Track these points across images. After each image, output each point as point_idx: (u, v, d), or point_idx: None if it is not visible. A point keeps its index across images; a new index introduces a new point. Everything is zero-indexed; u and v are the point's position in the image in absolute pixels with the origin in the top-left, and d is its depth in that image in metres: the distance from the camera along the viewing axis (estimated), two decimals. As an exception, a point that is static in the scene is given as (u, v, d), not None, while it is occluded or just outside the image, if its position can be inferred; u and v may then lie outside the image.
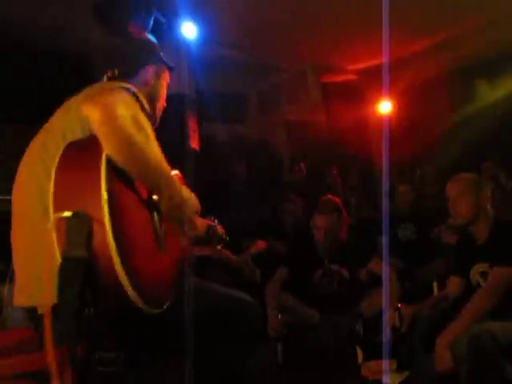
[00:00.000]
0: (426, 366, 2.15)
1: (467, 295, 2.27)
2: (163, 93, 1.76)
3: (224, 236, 1.95)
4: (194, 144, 4.44)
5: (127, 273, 1.14)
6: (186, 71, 4.05)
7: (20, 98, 3.67)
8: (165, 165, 1.40)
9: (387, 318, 2.52)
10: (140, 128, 1.32)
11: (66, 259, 1.14)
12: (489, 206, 2.37)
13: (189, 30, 4.07)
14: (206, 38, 4.24)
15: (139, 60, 1.68)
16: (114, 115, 1.24)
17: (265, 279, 3.34)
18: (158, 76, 1.71)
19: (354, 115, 6.00)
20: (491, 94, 5.63)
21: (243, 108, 6.16)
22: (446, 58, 5.41)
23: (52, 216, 1.16)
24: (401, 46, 5.02)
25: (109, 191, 1.17)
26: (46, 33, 3.87)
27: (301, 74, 5.94)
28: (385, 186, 3.79)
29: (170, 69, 1.79)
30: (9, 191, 1.43)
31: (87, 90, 1.49)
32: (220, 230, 1.94)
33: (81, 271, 1.12)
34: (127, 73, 1.64)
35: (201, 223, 1.87)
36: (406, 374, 2.36)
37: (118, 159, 1.24)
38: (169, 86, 1.79)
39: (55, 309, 1.21)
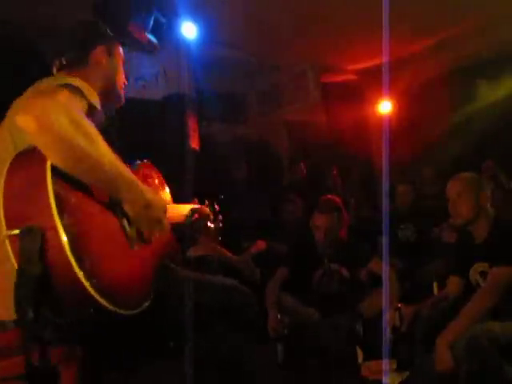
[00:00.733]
0: (426, 366, 2.15)
1: (467, 295, 2.27)
2: (120, 69, 1.69)
3: (211, 216, 1.89)
4: (194, 144, 4.45)
5: (89, 278, 1.11)
6: (185, 71, 4.06)
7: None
8: (121, 167, 1.29)
9: (387, 318, 2.52)
10: (83, 131, 1.20)
11: (19, 277, 1.11)
12: (489, 206, 2.37)
13: (189, 30, 4.07)
14: (206, 38, 4.24)
15: (85, 44, 1.61)
16: (49, 123, 1.14)
17: (265, 279, 3.33)
18: (110, 54, 1.65)
19: (353, 115, 6.00)
20: (491, 94, 5.63)
21: (243, 108, 6.16)
22: (446, 58, 5.42)
23: (4, 232, 1.12)
24: (401, 46, 5.03)
25: (58, 198, 1.12)
26: (46, 33, 3.86)
27: (301, 74, 5.94)
28: (385, 186, 3.79)
29: (122, 43, 1.74)
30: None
31: (26, 93, 1.44)
32: (205, 210, 1.87)
33: (33, 288, 1.09)
34: (76, 59, 1.58)
35: (182, 209, 1.83)
36: (406, 374, 2.36)
37: (64, 168, 1.17)
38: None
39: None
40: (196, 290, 1.52)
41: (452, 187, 2.44)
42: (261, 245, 3.80)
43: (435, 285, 2.92)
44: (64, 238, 1.09)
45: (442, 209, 2.69)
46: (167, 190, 1.76)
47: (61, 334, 1.21)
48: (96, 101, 1.43)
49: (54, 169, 1.16)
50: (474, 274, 2.34)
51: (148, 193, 1.37)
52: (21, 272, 1.11)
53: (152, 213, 1.37)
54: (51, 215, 1.10)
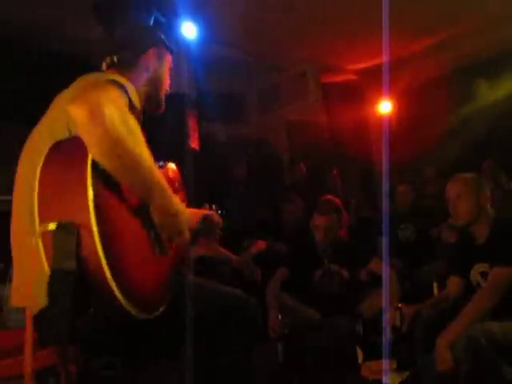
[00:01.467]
0: (426, 366, 2.15)
1: (467, 295, 2.27)
2: (166, 76, 1.71)
3: (221, 223, 1.90)
4: (194, 144, 4.45)
5: (117, 280, 1.11)
6: (185, 71, 4.05)
7: (19, 98, 3.68)
8: (157, 172, 1.30)
9: (387, 318, 2.52)
10: (129, 131, 1.22)
11: (54, 272, 1.10)
12: (489, 206, 2.37)
13: (189, 30, 4.08)
14: (206, 38, 4.24)
15: (140, 45, 1.63)
16: (102, 116, 1.15)
17: (265, 279, 3.33)
18: (159, 60, 1.66)
19: (353, 115, 6.00)
20: (491, 94, 5.63)
21: (243, 108, 6.16)
22: (446, 58, 5.42)
23: (37, 225, 1.12)
24: (401, 46, 5.03)
25: (96, 196, 1.12)
26: (45, 33, 3.87)
27: (301, 74, 5.94)
28: (385, 186, 3.79)
29: (172, 52, 1.74)
30: (9, 191, 1.43)
31: (76, 84, 1.45)
32: (217, 217, 1.88)
33: (70, 283, 1.09)
34: (127, 60, 1.59)
35: (194, 214, 1.83)
36: (406, 374, 2.36)
37: (106, 164, 1.17)
38: (168, 91, 1.76)
39: (44, 314, 1.18)
40: (199, 295, 1.52)
41: (452, 188, 2.43)
42: (261, 245, 3.80)
43: (435, 285, 2.91)
44: (98, 238, 1.09)
45: (442, 209, 2.69)
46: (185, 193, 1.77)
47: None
48: (136, 100, 1.46)
49: (93, 166, 1.15)
50: (474, 274, 2.34)
51: (177, 203, 1.38)
52: (55, 269, 1.10)
53: (176, 223, 1.38)
54: (88, 213, 1.10)
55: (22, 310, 1.37)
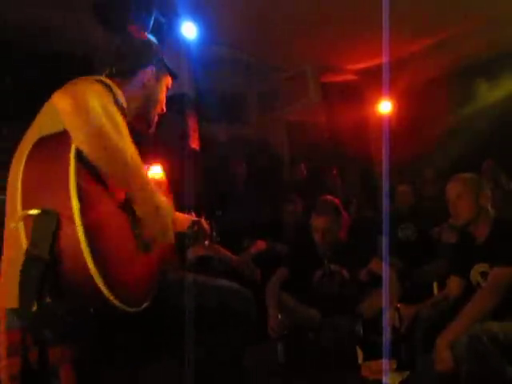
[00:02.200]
0: (426, 366, 2.15)
1: (467, 295, 2.27)
2: (162, 97, 1.70)
3: (209, 231, 1.89)
4: (194, 144, 4.45)
5: (99, 270, 1.11)
6: (186, 71, 4.05)
7: (18, 98, 3.68)
8: (139, 165, 1.30)
9: (387, 318, 2.52)
10: (112, 121, 1.24)
11: (27, 258, 1.10)
12: (489, 206, 2.37)
13: (189, 30, 4.08)
14: (206, 38, 4.24)
15: (139, 60, 1.62)
16: (85, 104, 1.18)
17: (265, 279, 3.33)
18: (157, 79, 1.66)
19: (353, 115, 6.00)
20: (491, 94, 5.63)
21: (243, 108, 6.16)
22: (446, 58, 5.42)
23: (19, 212, 1.12)
24: (401, 46, 5.03)
25: (79, 187, 1.12)
26: (45, 33, 3.87)
27: (301, 74, 5.94)
28: (385, 186, 3.79)
29: (174, 76, 1.74)
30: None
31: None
32: (205, 224, 1.87)
33: (39, 271, 1.08)
34: (126, 71, 1.59)
35: (184, 219, 1.83)
36: (406, 374, 2.36)
37: (88, 151, 1.17)
38: (168, 91, 1.75)
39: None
40: (193, 292, 1.51)
41: (452, 188, 2.43)
42: (261, 245, 3.80)
43: (435, 285, 2.92)
44: (81, 227, 1.09)
45: (442, 209, 2.69)
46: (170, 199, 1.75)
47: (59, 333, 1.21)
48: (122, 99, 1.45)
49: (77, 158, 1.16)
50: (474, 274, 2.34)
51: (159, 196, 1.37)
52: (29, 254, 1.10)
53: (159, 217, 1.36)
54: (70, 202, 1.09)
55: (12, 311, 1.36)
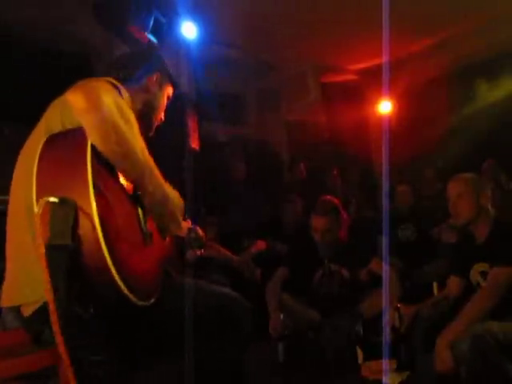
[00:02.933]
0: (426, 366, 2.15)
1: (467, 295, 2.27)
2: (163, 104, 1.76)
3: (204, 240, 1.89)
4: (194, 144, 4.45)
5: (114, 262, 1.13)
6: (186, 71, 4.05)
7: (19, 98, 3.67)
8: (149, 159, 1.37)
9: (387, 318, 2.52)
10: (125, 118, 1.30)
11: (51, 248, 1.10)
12: (489, 206, 2.37)
13: (189, 30, 4.07)
14: (206, 38, 4.24)
15: (146, 67, 1.69)
16: (100, 102, 1.22)
17: (265, 279, 3.33)
18: (160, 86, 1.72)
19: (353, 115, 6.00)
20: (491, 94, 5.63)
21: (243, 108, 6.16)
22: (446, 58, 5.42)
23: (34, 204, 1.13)
24: (401, 46, 5.03)
25: (94, 181, 1.15)
26: (45, 33, 3.87)
27: (301, 74, 5.94)
28: (385, 186, 3.79)
29: (175, 86, 1.80)
30: (8, 191, 1.43)
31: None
32: (200, 232, 1.88)
33: (66, 259, 1.10)
34: (132, 77, 1.64)
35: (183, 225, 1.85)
36: (406, 374, 2.36)
37: (103, 147, 1.22)
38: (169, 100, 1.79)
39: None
40: (192, 298, 1.52)
41: (452, 187, 2.43)
42: (261, 245, 3.80)
43: (435, 285, 2.92)
44: (97, 217, 1.11)
45: (442, 209, 2.69)
46: None
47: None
48: (128, 101, 1.49)
49: (92, 152, 1.19)
50: (474, 274, 2.34)
51: (167, 188, 1.43)
52: (51, 244, 1.10)
53: (168, 208, 1.41)
54: (87, 198, 1.12)
55: (13, 311, 1.36)
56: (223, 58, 4.90)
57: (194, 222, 1.92)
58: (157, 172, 1.39)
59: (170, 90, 1.78)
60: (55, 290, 1.10)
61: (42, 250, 1.10)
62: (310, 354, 2.90)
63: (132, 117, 1.38)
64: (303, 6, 4.19)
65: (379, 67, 4.91)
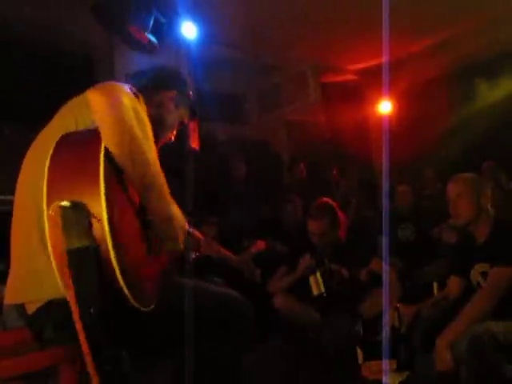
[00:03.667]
0: (426, 366, 2.15)
1: (467, 295, 2.27)
2: (174, 125, 1.72)
3: (200, 243, 1.87)
4: (194, 144, 4.44)
5: (121, 268, 1.13)
6: (186, 71, 4.05)
7: (19, 98, 3.67)
8: (160, 173, 1.33)
9: (387, 318, 2.52)
10: (141, 124, 1.28)
11: (71, 251, 1.10)
12: (489, 206, 2.37)
13: (189, 30, 4.07)
14: (206, 38, 4.24)
15: (164, 83, 1.68)
16: (119, 103, 1.21)
17: (265, 279, 3.34)
18: (176, 106, 1.69)
19: (353, 115, 6.01)
20: (491, 94, 5.63)
21: (243, 108, 6.16)
22: (446, 58, 5.42)
23: (44, 206, 1.12)
24: (401, 46, 5.03)
25: (107, 184, 1.13)
26: (45, 33, 3.87)
27: (301, 74, 5.94)
28: (385, 186, 3.79)
29: (194, 113, 1.78)
30: (9, 191, 1.43)
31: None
32: (197, 235, 1.85)
33: (92, 258, 1.09)
34: (148, 88, 1.62)
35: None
36: (406, 374, 2.36)
37: (115, 150, 1.19)
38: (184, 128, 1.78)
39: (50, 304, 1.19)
40: (191, 297, 1.52)
41: (452, 188, 2.43)
42: (261, 245, 3.80)
43: (435, 285, 2.91)
44: (106, 222, 1.10)
45: (442, 209, 2.69)
46: None
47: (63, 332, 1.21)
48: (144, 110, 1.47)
49: (105, 155, 1.17)
50: (474, 274, 2.34)
51: (173, 207, 1.39)
52: (72, 247, 1.09)
53: (170, 228, 1.37)
54: (98, 200, 1.10)
55: (16, 310, 1.36)
56: (223, 58, 4.90)
57: (195, 222, 1.91)
58: (166, 188, 1.35)
59: (186, 115, 1.75)
60: (80, 293, 1.10)
61: (58, 254, 1.10)
62: (310, 354, 2.90)
63: (148, 127, 1.35)
64: (303, 6, 4.19)
65: (379, 67, 4.91)
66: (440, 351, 2.00)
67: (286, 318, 3.02)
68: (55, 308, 1.22)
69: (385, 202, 3.72)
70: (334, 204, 3.25)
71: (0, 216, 1.59)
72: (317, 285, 2.99)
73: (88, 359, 1.12)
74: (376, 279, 3.00)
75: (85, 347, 1.11)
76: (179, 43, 4.06)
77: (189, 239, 1.78)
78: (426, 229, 4.03)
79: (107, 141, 1.19)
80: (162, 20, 3.73)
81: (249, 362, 1.73)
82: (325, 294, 2.99)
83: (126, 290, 1.14)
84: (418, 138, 5.66)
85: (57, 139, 1.24)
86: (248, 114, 6.21)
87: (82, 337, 1.11)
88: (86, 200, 1.11)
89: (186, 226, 1.49)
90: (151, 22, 3.61)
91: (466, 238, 2.48)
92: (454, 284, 2.47)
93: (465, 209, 2.35)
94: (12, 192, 1.41)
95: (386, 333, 2.45)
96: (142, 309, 1.24)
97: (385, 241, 3.36)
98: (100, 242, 1.11)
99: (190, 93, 1.76)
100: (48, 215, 1.11)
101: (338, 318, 2.88)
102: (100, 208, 1.10)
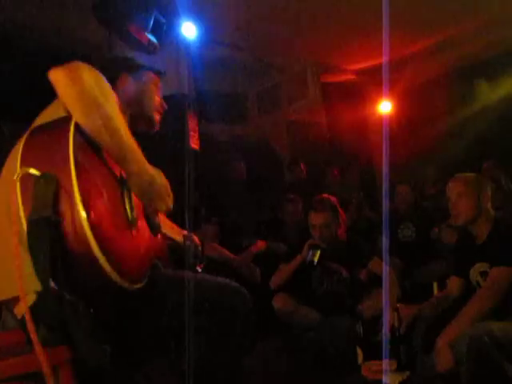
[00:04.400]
0: (426, 366, 2.15)
1: (467, 295, 2.27)
2: (149, 95, 1.70)
3: (202, 253, 1.83)
4: (194, 144, 4.45)
5: (97, 240, 1.11)
6: (185, 71, 4.06)
7: (19, 98, 3.67)
8: (133, 141, 1.34)
9: (387, 318, 2.51)
10: (106, 94, 1.29)
11: (32, 222, 1.09)
12: (489, 206, 2.37)
13: (189, 30, 4.07)
14: (206, 38, 4.24)
15: (112, 71, 1.61)
16: (78, 78, 1.24)
17: (265, 279, 3.34)
18: (136, 83, 1.67)
19: (353, 115, 6.01)
20: (491, 94, 5.64)
21: (243, 108, 6.16)
22: (446, 58, 5.42)
23: (17, 173, 1.12)
24: (401, 46, 5.03)
25: (77, 159, 1.14)
26: (45, 33, 3.87)
27: (301, 74, 5.94)
28: (385, 185, 3.79)
29: (159, 73, 1.75)
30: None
31: None
32: (196, 239, 1.83)
33: (47, 230, 1.08)
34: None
35: (176, 230, 1.83)
36: (406, 373, 2.36)
37: (84, 120, 1.22)
38: (160, 88, 1.74)
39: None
40: (189, 288, 1.51)
41: (452, 187, 2.43)
42: (261, 245, 3.80)
43: (435, 285, 2.91)
44: (78, 193, 1.11)
45: (442, 209, 2.69)
46: None
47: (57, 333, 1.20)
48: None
49: (76, 130, 1.19)
50: (474, 274, 2.34)
51: (152, 169, 1.40)
52: (32, 218, 1.09)
53: (155, 187, 1.39)
54: (69, 174, 1.12)
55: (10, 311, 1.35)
56: (223, 58, 4.90)
57: (194, 222, 1.90)
58: (140, 153, 1.36)
59: (155, 80, 1.72)
60: (35, 263, 1.09)
61: (18, 225, 1.10)
62: (309, 354, 2.90)
63: (113, 98, 1.34)
64: (303, 6, 4.19)
65: (379, 67, 4.90)
66: (440, 351, 2.00)
67: (285, 318, 3.02)
68: (42, 309, 1.20)
69: (385, 202, 3.72)
70: (335, 201, 3.27)
71: None
72: (313, 256, 3.01)
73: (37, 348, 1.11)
74: (375, 279, 3.00)
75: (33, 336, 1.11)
76: (179, 43, 4.06)
77: (189, 245, 1.78)
78: (426, 229, 4.03)
79: (75, 115, 1.22)
80: (162, 20, 3.72)
81: (249, 362, 1.73)
82: (315, 264, 3.01)
83: (103, 263, 1.12)
84: (418, 137, 5.67)
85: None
86: (248, 114, 6.21)
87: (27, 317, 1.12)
88: (57, 172, 1.12)
89: (168, 185, 1.48)
90: (151, 22, 3.61)
91: (465, 238, 2.48)
92: (454, 284, 2.47)
93: (465, 209, 2.35)
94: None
95: (385, 333, 2.45)
96: (128, 286, 1.22)
97: (385, 241, 3.36)
98: (72, 214, 1.10)
99: (135, 60, 1.74)
100: (15, 178, 1.11)
101: (338, 318, 2.88)
102: (70, 179, 1.11)
